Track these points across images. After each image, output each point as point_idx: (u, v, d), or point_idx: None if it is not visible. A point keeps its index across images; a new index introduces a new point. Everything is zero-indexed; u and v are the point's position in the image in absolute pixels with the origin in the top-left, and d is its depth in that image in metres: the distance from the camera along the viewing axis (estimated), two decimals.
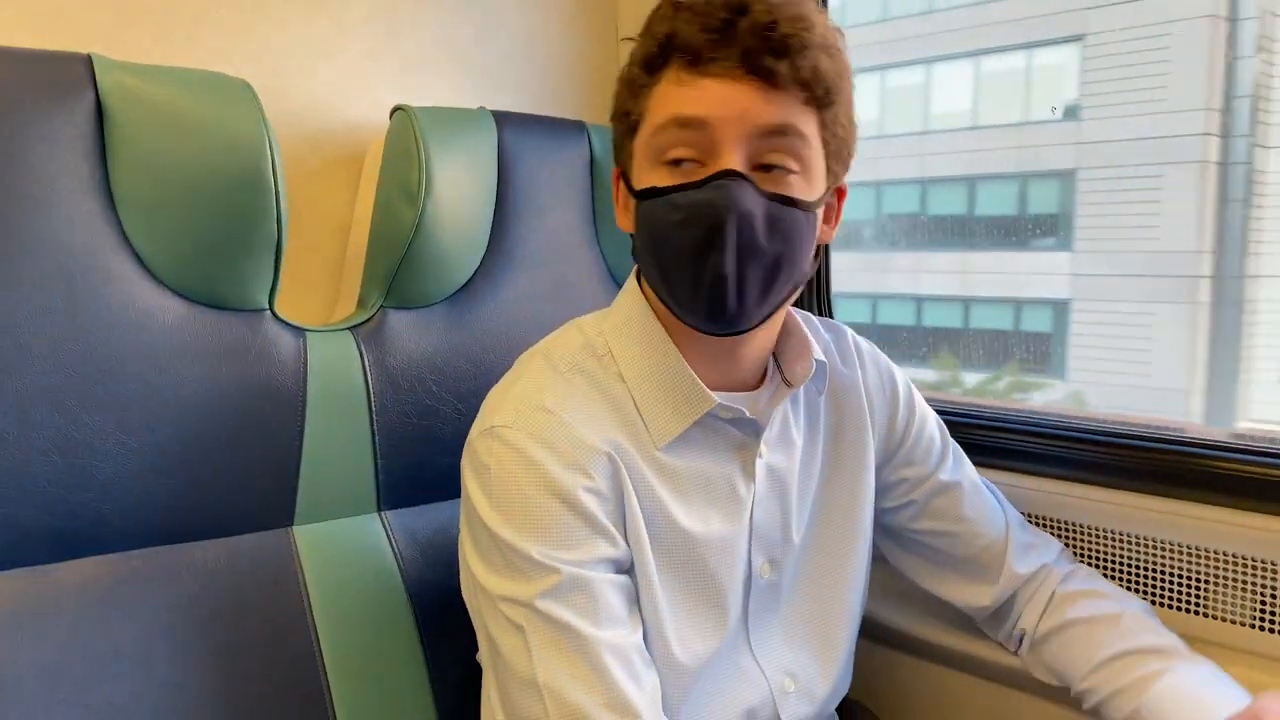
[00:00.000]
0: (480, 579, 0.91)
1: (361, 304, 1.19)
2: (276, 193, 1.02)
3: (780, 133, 0.86)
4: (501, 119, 1.26)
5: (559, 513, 0.87)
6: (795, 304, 1.49)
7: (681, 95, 0.86)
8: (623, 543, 0.91)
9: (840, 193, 0.97)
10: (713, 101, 0.84)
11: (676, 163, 0.87)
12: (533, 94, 1.49)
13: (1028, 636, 1.10)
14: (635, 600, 0.91)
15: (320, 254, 1.29)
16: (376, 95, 1.31)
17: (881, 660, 1.31)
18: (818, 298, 1.51)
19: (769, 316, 0.92)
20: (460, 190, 1.19)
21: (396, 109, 1.20)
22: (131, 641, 0.95)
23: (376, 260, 1.19)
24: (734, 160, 0.85)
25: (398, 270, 1.16)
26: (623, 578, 0.90)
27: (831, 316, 1.52)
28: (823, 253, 1.50)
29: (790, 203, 0.87)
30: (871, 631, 1.26)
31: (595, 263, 1.34)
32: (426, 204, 1.15)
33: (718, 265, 0.85)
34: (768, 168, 0.87)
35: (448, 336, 1.19)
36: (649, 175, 0.89)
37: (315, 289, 1.29)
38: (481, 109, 1.27)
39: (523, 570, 0.87)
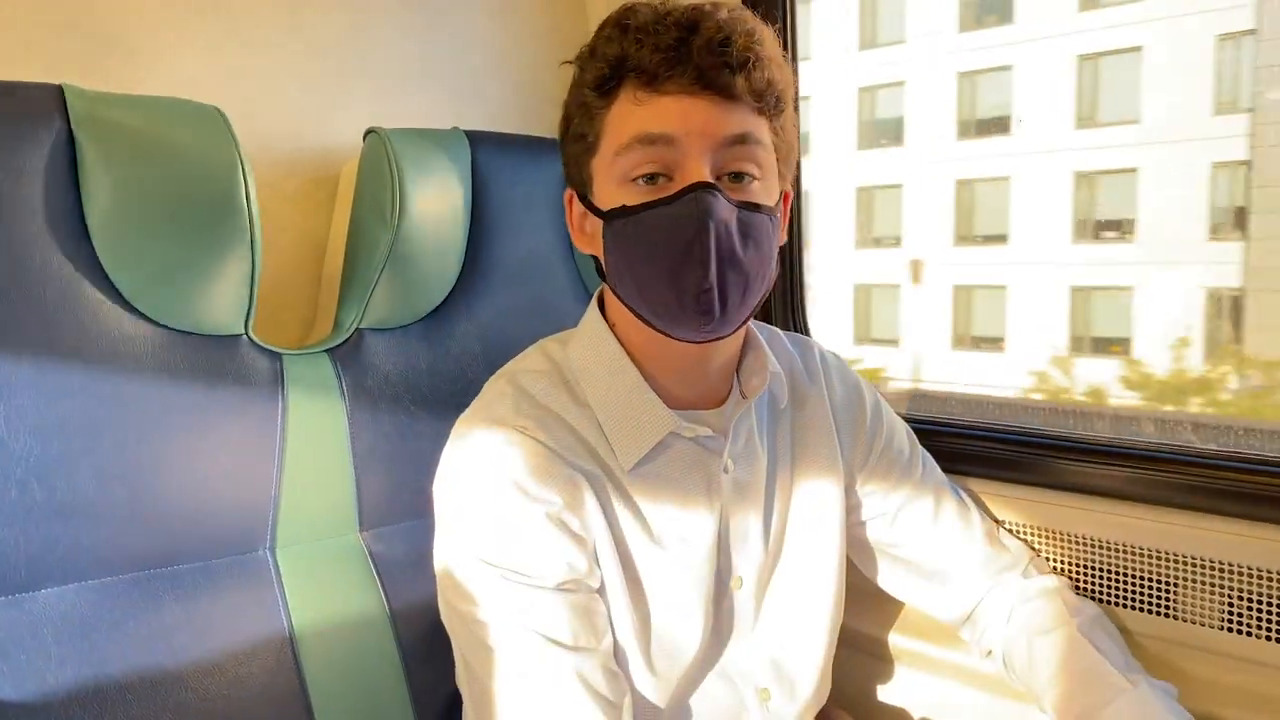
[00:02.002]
0: (452, 600, 0.93)
1: (338, 326, 1.20)
2: (250, 217, 1.03)
3: (741, 141, 0.88)
4: (475, 138, 1.27)
5: (528, 533, 0.89)
6: (766, 320, 1.52)
7: (642, 114, 0.87)
8: (591, 562, 0.92)
9: (785, 197, 0.99)
10: (674, 117, 0.86)
11: (644, 179, 0.88)
12: (507, 113, 1.50)
13: (996, 646, 1.11)
14: (604, 617, 0.93)
15: (296, 276, 1.29)
16: (350, 117, 1.32)
17: (861, 668, 1.33)
18: (791, 310, 1.53)
19: (746, 320, 0.94)
20: (434, 211, 1.20)
21: (369, 131, 1.20)
22: (112, 667, 0.95)
23: (352, 282, 1.20)
24: (702, 171, 0.86)
25: (373, 291, 1.17)
26: (594, 596, 0.92)
27: (806, 329, 1.54)
28: (798, 267, 1.52)
29: (757, 208, 0.89)
30: (851, 640, 1.27)
31: (572, 280, 1.35)
32: (400, 225, 1.15)
33: (701, 276, 0.86)
34: (734, 176, 0.89)
35: (425, 356, 1.20)
36: (616, 194, 0.90)
37: (292, 311, 1.30)
38: (455, 129, 1.28)
39: (492, 589, 0.89)
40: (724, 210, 0.86)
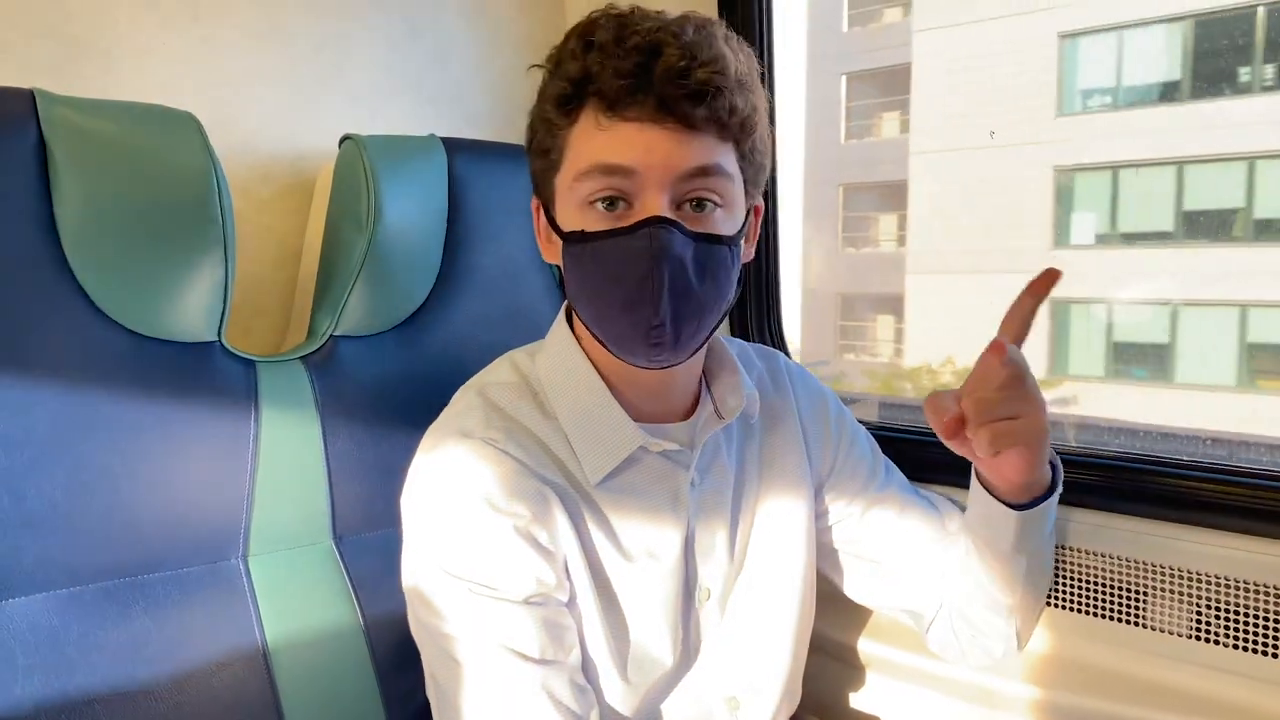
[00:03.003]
0: (419, 613, 0.93)
1: (312, 333, 1.20)
2: (224, 224, 1.03)
3: (703, 173, 0.87)
4: (452, 145, 1.27)
5: (494, 547, 0.89)
6: (743, 332, 1.53)
7: (602, 141, 0.86)
8: (559, 576, 0.92)
9: (756, 211, 0.99)
10: (635, 149, 0.85)
11: (603, 204, 0.87)
12: (484, 120, 1.50)
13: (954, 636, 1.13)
14: (573, 631, 0.93)
15: (271, 283, 1.29)
16: (327, 123, 1.32)
17: (833, 675, 1.33)
18: (767, 321, 1.53)
19: (700, 347, 0.94)
20: (410, 218, 1.19)
21: (345, 138, 1.20)
22: (81, 679, 0.94)
23: (326, 289, 1.19)
24: (659, 205, 0.85)
25: (347, 299, 1.16)
26: (561, 610, 0.92)
27: (782, 341, 1.54)
28: (774, 279, 1.53)
29: (716, 240, 0.88)
30: (822, 646, 1.27)
31: (548, 288, 1.35)
32: (375, 232, 1.15)
33: (653, 310, 0.86)
34: (695, 204, 0.88)
35: (399, 364, 1.20)
36: (575, 217, 0.89)
37: (267, 318, 1.29)
38: (431, 136, 1.27)
39: (457, 603, 0.88)
40: (679, 245, 0.86)
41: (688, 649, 1.01)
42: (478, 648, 0.88)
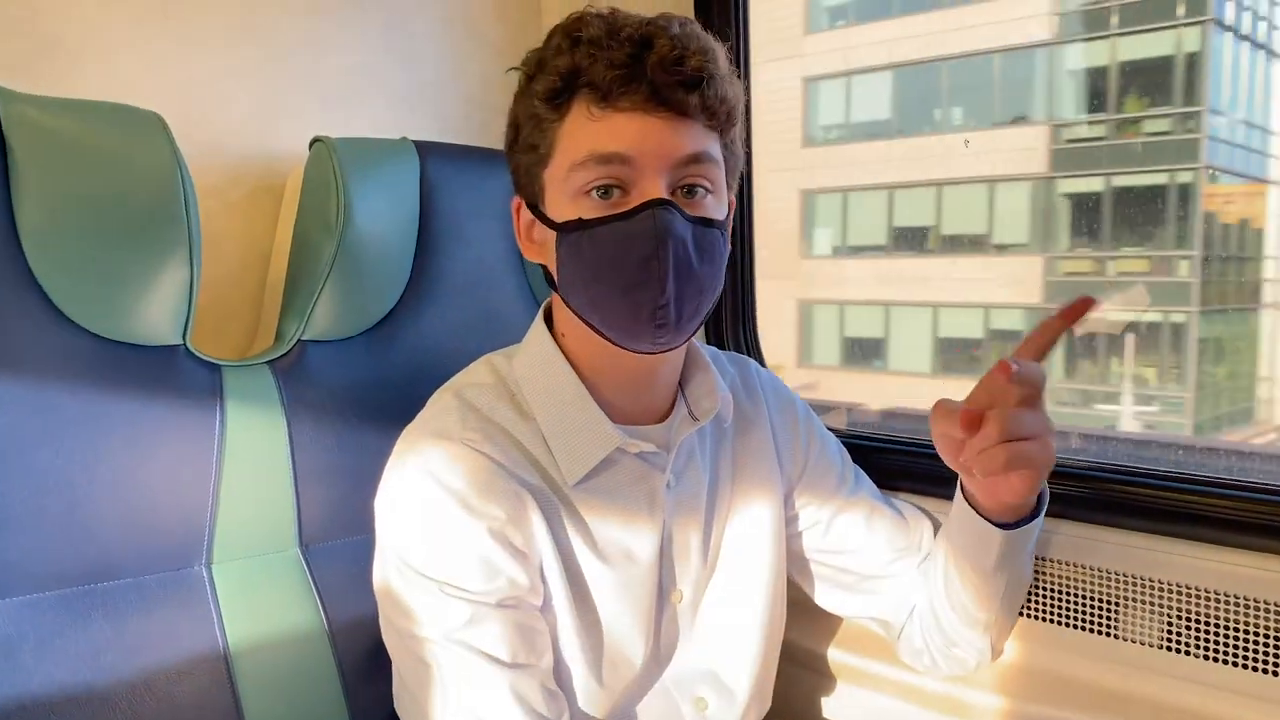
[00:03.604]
0: (390, 615, 0.92)
1: (280, 337, 1.18)
2: (189, 226, 1.01)
3: (695, 160, 0.89)
4: (424, 149, 1.26)
5: (468, 549, 0.88)
6: (718, 339, 1.52)
7: (596, 131, 0.87)
8: (533, 579, 0.92)
9: (731, 205, 0.99)
10: (630, 137, 0.86)
11: (599, 192, 0.88)
12: (458, 124, 1.49)
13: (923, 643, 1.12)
14: (545, 635, 0.93)
15: (240, 285, 1.27)
16: (298, 125, 1.30)
17: (804, 683, 1.32)
18: (743, 328, 1.53)
19: (697, 329, 0.95)
20: (380, 221, 1.18)
21: (315, 140, 1.19)
22: (38, 688, 0.92)
23: (294, 292, 1.18)
24: (658, 188, 0.87)
25: (316, 302, 1.15)
26: (534, 613, 0.92)
27: (758, 348, 1.54)
28: (749, 286, 1.52)
29: (710, 224, 0.90)
30: (793, 654, 1.26)
31: (521, 292, 1.34)
32: (345, 235, 1.14)
33: (658, 292, 0.87)
34: (687, 191, 0.90)
35: (369, 368, 1.18)
36: (570, 207, 0.90)
37: (236, 321, 1.28)
38: (403, 139, 1.26)
39: (430, 606, 0.88)
40: (680, 227, 0.87)
41: (659, 651, 1.01)
42: (448, 651, 0.88)
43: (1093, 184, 15.31)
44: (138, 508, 1.01)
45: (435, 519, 0.89)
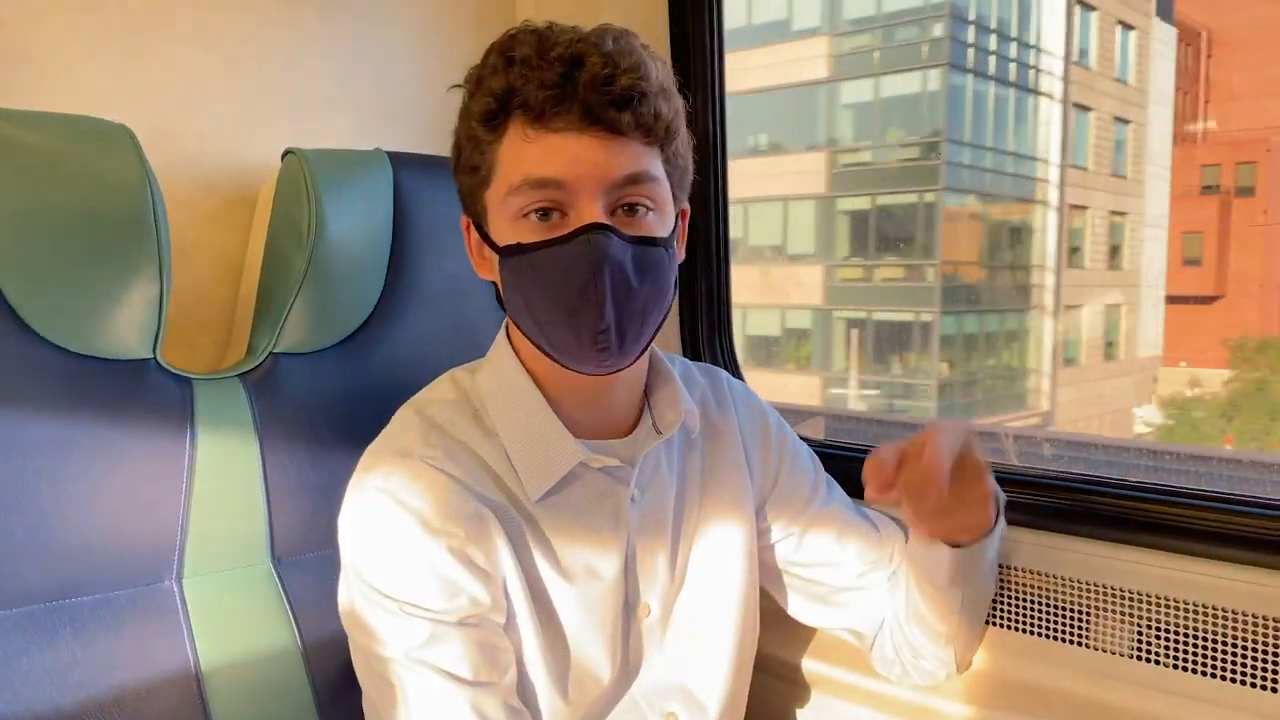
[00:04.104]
0: (354, 635, 0.92)
1: (251, 350, 1.17)
2: (158, 239, 1.01)
3: (634, 180, 0.88)
4: (397, 160, 1.25)
5: (429, 568, 0.88)
6: (694, 350, 1.52)
7: (531, 154, 0.86)
8: (495, 597, 0.91)
9: (683, 215, 0.99)
10: (564, 161, 0.85)
11: (537, 215, 0.87)
12: (433, 134, 1.48)
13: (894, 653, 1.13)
14: (509, 652, 0.92)
15: (212, 298, 1.26)
16: (270, 136, 1.30)
17: (777, 694, 1.32)
18: (718, 337, 1.53)
19: (645, 349, 0.95)
20: (353, 233, 1.18)
21: (287, 151, 1.18)
22: (6, 708, 0.91)
23: (266, 305, 1.17)
24: (594, 212, 0.86)
25: (287, 315, 1.14)
26: (496, 631, 0.91)
27: (733, 357, 1.54)
28: (725, 297, 1.52)
29: (652, 242, 0.89)
30: (766, 665, 1.26)
31: (495, 304, 1.33)
32: (317, 248, 1.13)
33: (597, 317, 0.86)
34: (628, 209, 0.89)
35: (342, 381, 1.18)
36: (509, 231, 0.89)
37: (208, 334, 1.27)
38: (377, 150, 1.26)
39: (391, 625, 0.88)
40: (617, 250, 0.86)
41: (627, 666, 1.00)
42: (410, 670, 0.87)
43: (861, 203, 18.68)
44: (106, 522, 1.00)
45: (395, 539, 0.88)
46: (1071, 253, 18.31)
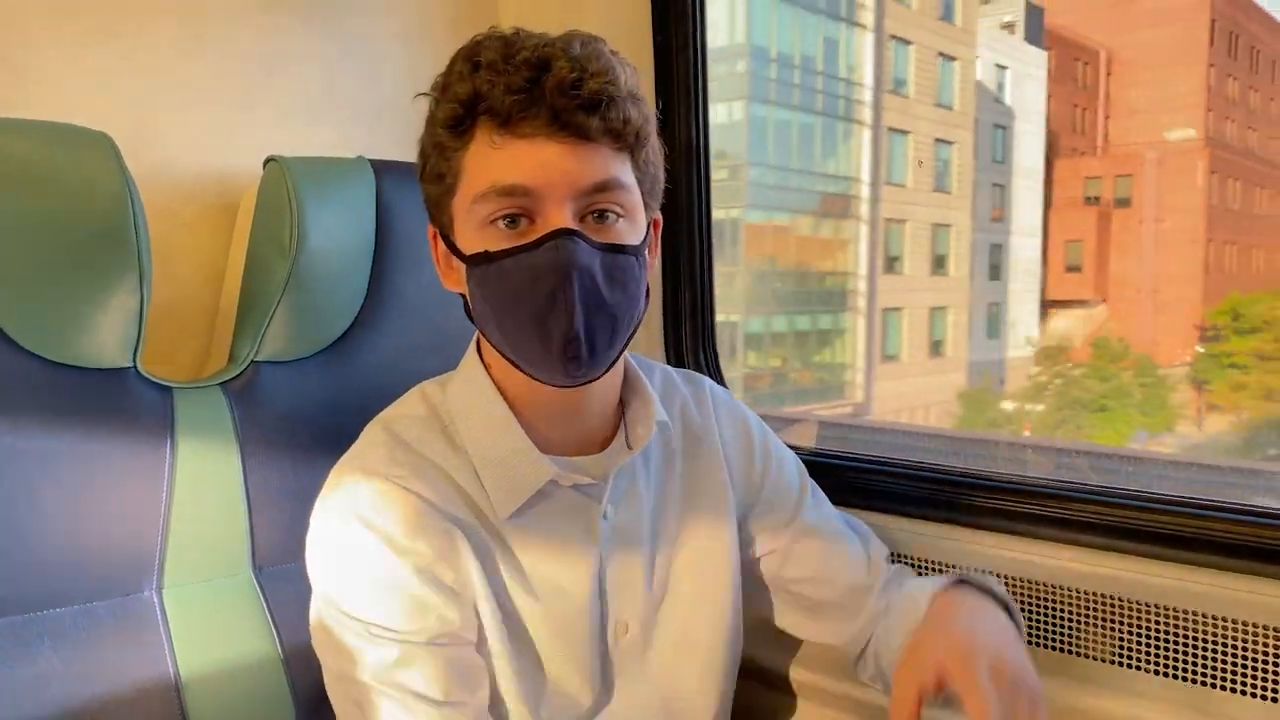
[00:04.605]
0: (320, 653, 0.91)
1: (233, 358, 1.17)
2: (139, 247, 1.00)
3: (602, 188, 0.86)
4: (381, 168, 1.25)
5: (396, 587, 0.87)
6: (678, 359, 1.52)
7: (498, 161, 0.84)
8: (465, 616, 0.90)
9: (655, 224, 0.98)
10: (531, 168, 0.84)
11: (505, 222, 0.86)
12: (415, 142, 1.48)
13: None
14: (480, 672, 0.91)
15: (193, 306, 1.26)
16: (253, 144, 1.29)
17: (763, 702, 1.32)
18: (702, 346, 1.53)
19: (617, 359, 0.93)
20: (335, 241, 1.17)
21: (269, 159, 1.18)
22: None
23: (248, 313, 1.16)
24: (563, 218, 0.85)
25: (269, 324, 1.13)
26: (466, 651, 0.90)
27: (717, 365, 1.54)
28: (708, 305, 1.52)
29: (621, 250, 0.88)
30: (752, 673, 1.26)
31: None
32: (299, 256, 1.13)
33: (567, 324, 0.84)
34: (598, 216, 0.87)
35: (323, 390, 1.17)
36: (476, 239, 0.88)
37: (190, 343, 1.26)
38: (359, 158, 1.25)
39: (358, 645, 0.87)
40: (586, 256, 0.85)
41: (607, 685, 0.99)
42: (380, 692, 0.86)
43: None
44: (86, 532, 0.99)
45: (361, 560, 0.87)
46: (892, 261, 19.62)
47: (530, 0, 1.56)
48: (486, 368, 0.97)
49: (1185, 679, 1.02)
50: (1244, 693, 0.99)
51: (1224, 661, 1.00)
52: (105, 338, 1.01)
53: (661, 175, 0.96)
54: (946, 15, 19.41)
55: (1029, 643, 1.12)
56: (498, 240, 0.86)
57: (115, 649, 1.00)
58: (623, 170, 0.88)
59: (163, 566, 1.04)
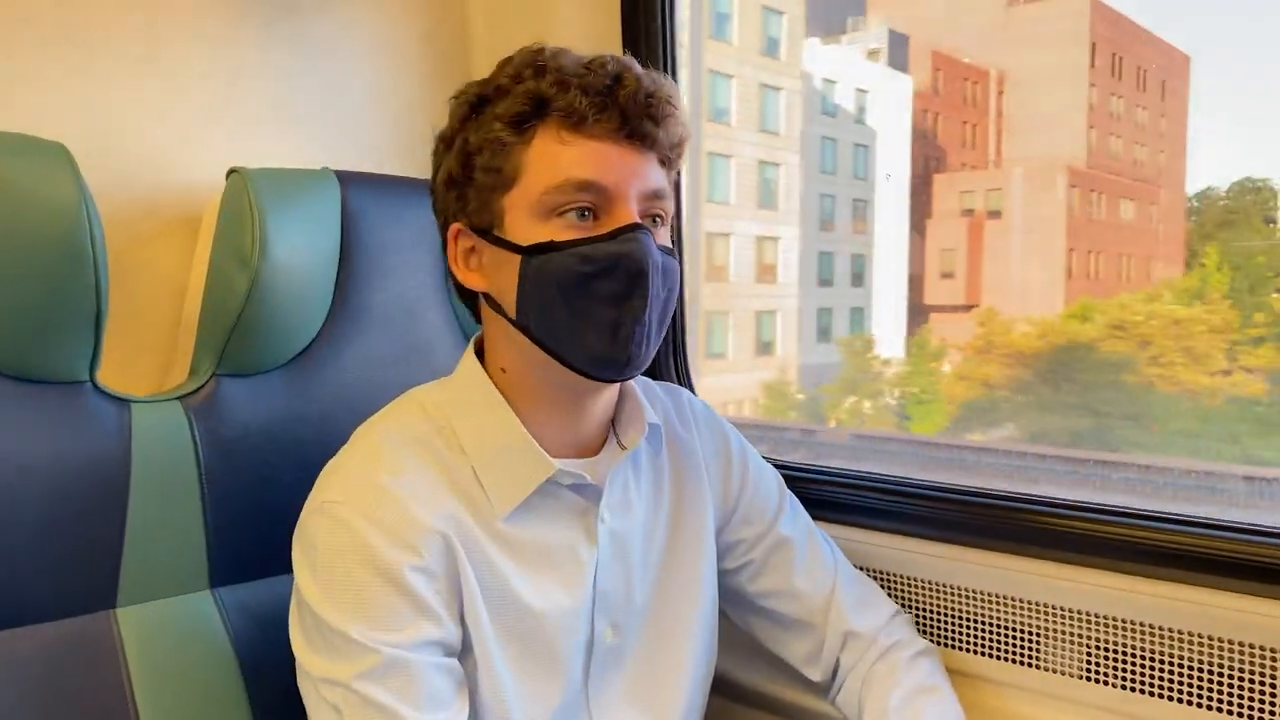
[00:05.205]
0: (301, 659, 0.90)
1: (193, 372, 1.15)
2: (95, 260, 0.98)
3: (658, 195, 0.93)
4: (346, 179, 1.24)
5: (383, 593, 0.86)
6: (652, 371, 1.51)
7: (570, 157, 0.89)
8: (452, 624, 0.89)
9: None
10: (605, 165, 0.89)
11: (576, 214, 0.89)
12: (383, 153, 1.47)
13: (852, 706, 1.10)
14: (463, 682, 0.90)
15: (154, 320, 1.23)
16: (215, 155, 1.27)
17: (737, 718, 1.31)
18: (675, 360, 1.52)
19: (650, 358, 0.96)
20: (299, 253, 1.15)
21: (232, 171, 1.16)
22: None
23: (209, 327, 1.14)
24: (632, 214, 0.90)
25: (230, 337, 1.12)
26: (450, 661, 0.89)
27: (689, 379, 1.53)
28: (681, 317, 1.52)
29: (671, 253, 0.94)
30: (726, 689, 1.26)
31: (448, 324, 1.32)
32: (261, 269, 1.11)
33: (638, 312, 0.89)
34: (651, 219, 0.93)
35: (286, 404, 1.15)
36: (539, 229, 0.90)
37: (148, 355, 1.24)
38: (324, 169, 1.24)
39: (342, 650, 0.85)
40: (655, 252, 0.90)
41: (583, 688, 0.99)
42: (359, 699, 0.85)
43: None
44: (40, 551, 0.97)
45: (347, 564, 0.86)
46: (717, 269, 20.49)
47: (500, 16, 1.55)
48: (491, 372, 0.98)
49: (1149, 694, 1.02)
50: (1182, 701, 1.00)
51: (1167, 672, 1.00)
52: (60, 351, 0.99)
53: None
54: (771, 50, 20.52)
55: (990, 656, 1.12)
56: (565, 231, 0.89)
57: (70, 672, 0.97)
58: (668, 181, 0.95)
59: (119, 586, 1.02)
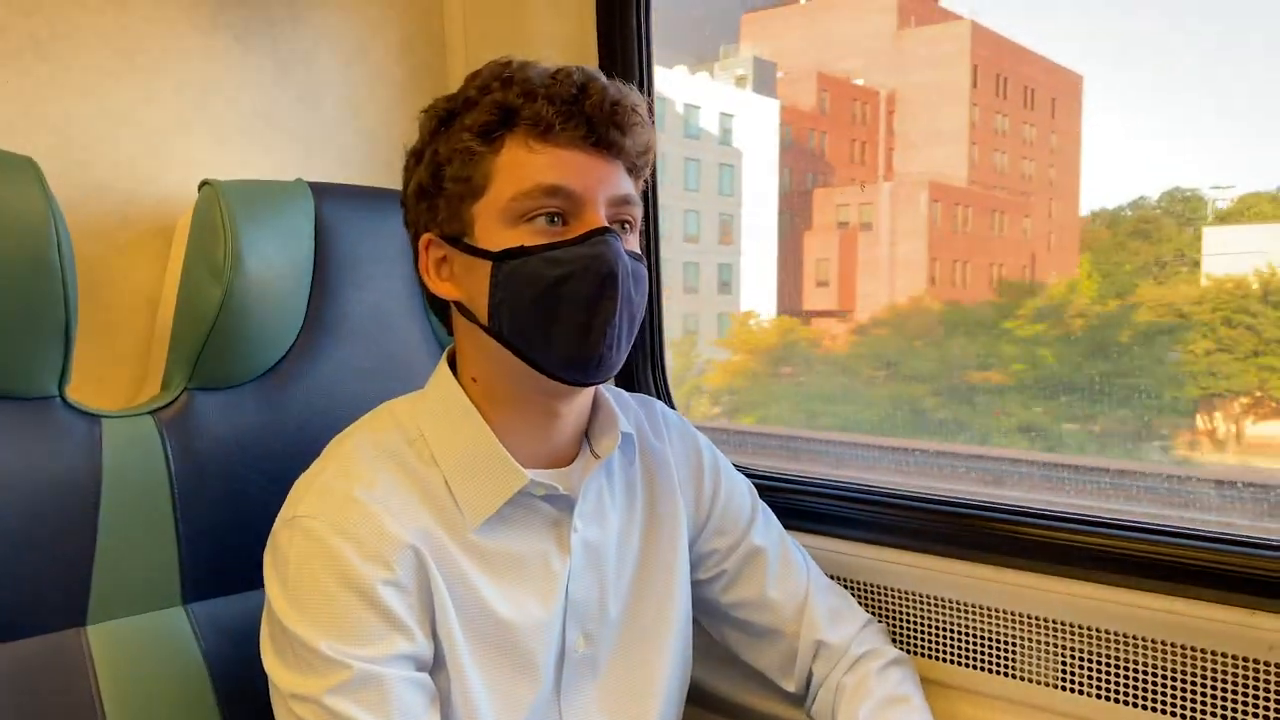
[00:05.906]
0: (272, 674, 0.89)
1: (165, 385, 1.14)
2: (63, 273, 0.97)
3: (625, 201, 0.94)
4: (320, 190, 1.23)
5: (354, 607, 0.85)
6: (628, 382, 1.51)
7: (538, 164, 0.90)
8: (424, 639, 0.89)
9: None
10: (573, 171, 0.90)
11: (545, 219, 0.90)
12: (358, 164, 1.46)
13: (831, 715, 1.10)
14: (435, 697, 0.90)
15: (126, 333, 1.23)
16: (188, 166, 1.27)
17: None
18: (652, 369, 1.52)
19: (620, 363, 0.96)
20: (272, 265, 1.15)
21: (204, 183, 1.15)
22: None
23: (181, 340, 1.14)
24: (602, 219, 0.91)
25: (203, 350, 1.11)
26: (421, 675, 0.89)
27: (667, 389, 1.53)
28: (658, 327, 1.52)
29: (640, 259, 0.95)
30: (701, 699, 1.25)
31: (423, 335, 1.32)
32: (233, 281, 1.10)
33: (608, 315, 0.90)
34: (619, 225, 0.94)
35: (259, 417, 1.15)
36: (509, 235, 0.91)
37: (122, 369, 1.23)
38: (298, 180, 1.23)
39: (313, 665, 0.85)
40: (624, 255, 0.91)
41: (555, 698, 0.98)
42: (328, 712, 0.84)
43: None
44: (8, 567, 0.96)
45: (320, 576, 0.86)
46: None
47: (477, 27, 1.55)
48: (464, 383, 0.98)
49: (1122, 702, 1.02)
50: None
51: (1140, 680, 1.00)
52: (28, 366, 0.98)
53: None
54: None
55: (964, 664, 1.12)
56: (535, 237, 0.90)
57: (40, 691, 0.96)
58: (634, 190, 0.96)
59: (89, 602, 1.01)
